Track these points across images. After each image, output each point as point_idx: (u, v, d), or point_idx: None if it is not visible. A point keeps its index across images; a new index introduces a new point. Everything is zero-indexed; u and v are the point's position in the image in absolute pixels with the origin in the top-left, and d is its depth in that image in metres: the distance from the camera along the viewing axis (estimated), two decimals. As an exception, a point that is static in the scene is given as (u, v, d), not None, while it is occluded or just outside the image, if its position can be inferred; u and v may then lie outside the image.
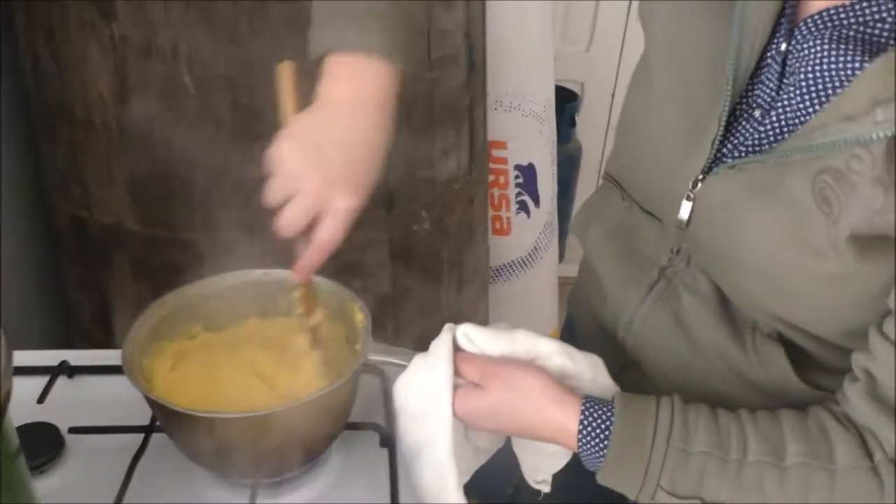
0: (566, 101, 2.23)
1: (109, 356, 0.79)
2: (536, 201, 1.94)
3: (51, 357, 0.83)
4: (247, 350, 0.69)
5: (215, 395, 0.64)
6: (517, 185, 1.91)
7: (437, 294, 1.34)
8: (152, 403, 0.61)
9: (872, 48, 0.51)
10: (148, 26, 1.00)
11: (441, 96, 1.23)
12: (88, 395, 0.80)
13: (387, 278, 1.26)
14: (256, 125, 1.03)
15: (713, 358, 0.63)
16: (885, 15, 0.51)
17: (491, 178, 1.92)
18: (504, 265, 1.92)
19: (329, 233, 0.59)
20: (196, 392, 0.63)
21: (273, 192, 0.59)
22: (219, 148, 1.06)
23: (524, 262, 1.95)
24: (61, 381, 0.81)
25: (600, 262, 0.73)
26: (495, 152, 1.88)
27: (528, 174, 1.90)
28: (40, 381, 0.80)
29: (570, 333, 0.87)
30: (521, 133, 1.83)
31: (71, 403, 0.78)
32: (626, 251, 0.70)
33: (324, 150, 0.58)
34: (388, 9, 0.61)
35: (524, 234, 1.92)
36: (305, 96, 0.62)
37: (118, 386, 0.75)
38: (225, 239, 0.99)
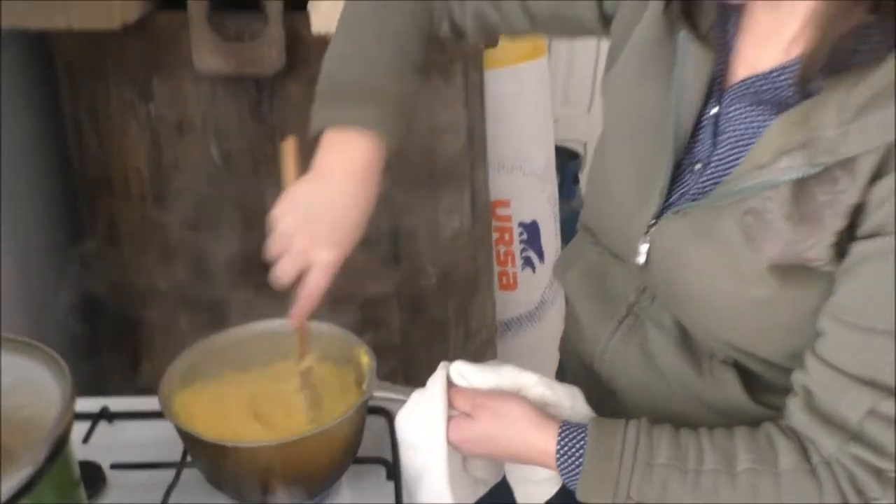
0: (570, 160, 2.35)
1: (144, 403, 0.90)
2: (541, 257, 2.02)
3: (93, 404, 0.92)
4: (261, 389, 0.78)
5: (233, 427, 0.73)
6: (521, 241, 2.01)
7: (446, 346, 1.43)
8: (183, 434, 0.70)
9: (782, 108, 0.60)
10: (181, 105, 1.13)
11: (442, 160, 1.34)
12: (126, 437, 0.89)
13: (396, 331, 1.36)
14: (277, 188, 1.14)
15: (675, 384, 0.71)
16: (813, 89, 0.61)
17: (496, 235, 2.01)
18: (512, 319, 1.99)
19: (314, 283, 0.69)
20: (220, 424, 0.72)
21: (270, 249, 0.70)
22: (241, 218, 1.17)
23: (531, 315, 2.03)
24: (102, 424, 0.90)
25: (577, 301, 0.81)
26: (499, 210, 1.99)
27: (531, 231, 1.99)
28: (84, 426, 0.89)
29: (562, 377, 0.95)
30: (524, 192, 1.93)
31: (111, 444, 0.87)
32: (600, 291, 0.78)
33: (313, 212, 0.69)
34: (374, 92, 0.72)
35: (530, 289, 2.00)
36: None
37: (152, 428, 0.86)
38: (248, 297, 1.09)
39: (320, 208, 0.69)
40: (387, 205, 1.28)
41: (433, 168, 1.34)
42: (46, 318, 1.29)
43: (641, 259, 0.70)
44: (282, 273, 0.69)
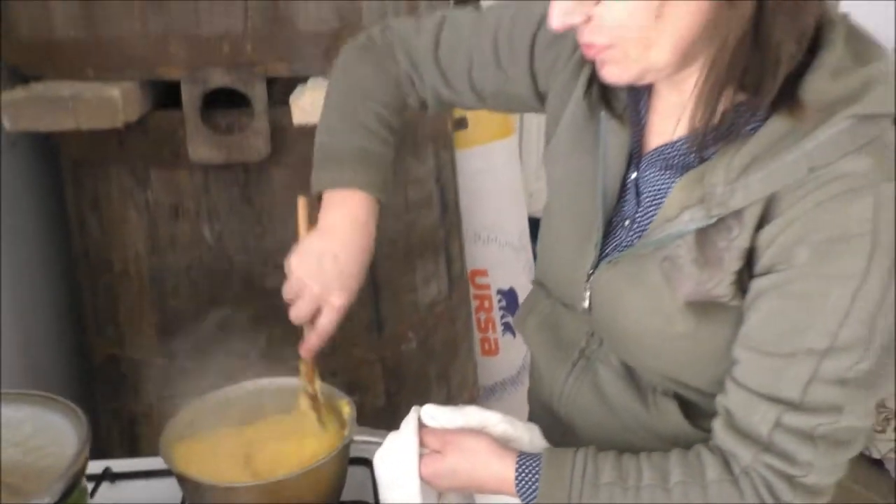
0: (543, 230, 2.47)
1: (144, 463, 0.97)
2: (520, 322, 2.11)
3: (96, 466, 0.99)
4: (252, 441, 0.86)
5: (226, 474, 0.81)
6: (501, 308, 2.11)
7: (429, 408, 1.50)
8: (181, 479, 0.78)
9: (685, 171, 0.71)
10: (176, 192, 1.25)
11: (418, 233, 1.46)
12: (127, 496, 0.95)
13: (381, 394, 1.44)
14: (264, 268, 1.25)
15: (625, 417, 0.80)
16: (703, 150, 0.72)
17: (476, 302, 2.11)
18: (496, 384, 2.07)
19: (327, 321, 0.82)
20: (215, 471, 0.80)
21: (287, 293, 0.82)
22: (232, 291, 1.28)
23: (514, 380, 2.10)
24: (105, 485, 0.97)
25: (536, 349, 0.91)
26: (478, 279, 2.09)
27: (510, 298, 2.08)
28: (87, 486, 0.96)
29: (531, 421, 1.03)
30: (501, 262, 2.05)
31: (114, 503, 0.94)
32: (554, 338, 0.88)
33: (323, 263, 0.81)
34: (366, 157, 0.85)
35: (511, 354, 2.08)
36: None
37: (152, 487, 0.93)
38: (238, 364, 1.18)
39: (329, 259, 0.81)
40: (368, 274, 1.38)
41: (410, 240, 1.46)
42: (48, 387, 1.37)
43: (585, 304, 0.80)
44: (297, 314, 0.82)
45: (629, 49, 0.65)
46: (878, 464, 2.30)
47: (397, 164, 1.32)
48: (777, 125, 0.63)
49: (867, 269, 0.61)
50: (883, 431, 2.11)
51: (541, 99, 0.88)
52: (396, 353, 1.44)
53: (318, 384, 0.88)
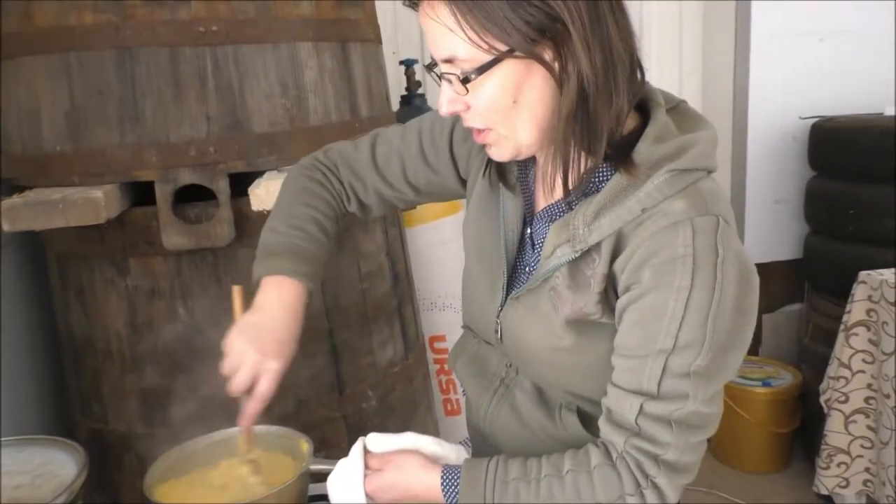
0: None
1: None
2: (480, 382, 2.25)
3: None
4: (223, 479, 1.01)
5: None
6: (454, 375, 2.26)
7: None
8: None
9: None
10: (152, 277, 1.42)
11: (372, 301, 1.63)
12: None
13: (345, 449, 1.57)
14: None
15: (537, 430, 0.96)
16: (571, 203, 0.91)
17: (436, 366, 2.27)
18: (460, 442, 2.20)
19: (266, 386, 0.95)
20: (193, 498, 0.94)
21: (226, 368, 0.95)
22: (205, 361, 1.42)
23: (479, 438, 2.23)
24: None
25: (465, 381, 1.07)
26: (437, 344, 2.26)
27: (469, 360, 2.23)
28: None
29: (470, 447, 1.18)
30: (457, 326, 2.20)
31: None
32: (480, 371, 1.05)
33: (260, 334, 0.95)
34: (299, 252, 1.01)
35: (474, 413, 2.22)
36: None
37: None
38: (213, 425, 1.32)
39: (265, 331, 0.96)
40: (330, 339, 1.55)
41: (365, 307, 1.63)
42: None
43: (498, 335, 0.98)
44: (238, 385, 0.95)
45: (500, 130, 0.85)
46: (827, 500, 2.44)
47: (348, 241, 1.53)
48: (618, 180, 0.83)
49: (692, 282, 0.79)
50: (827, 468, 2.26)
51: (463, 184, 1.08)
52: (358, 410, 1.59)
53: (258, 451, 1.01)
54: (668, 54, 2.86)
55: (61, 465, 0.78)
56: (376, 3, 1.71)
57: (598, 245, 0.84)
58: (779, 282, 2.95)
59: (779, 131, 2.82)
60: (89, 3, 1.32)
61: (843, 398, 2.18)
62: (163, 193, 1.36)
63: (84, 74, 1.35)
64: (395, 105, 2.19)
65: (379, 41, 1.72)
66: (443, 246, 2.20)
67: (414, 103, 2.34)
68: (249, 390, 0.96)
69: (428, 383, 1.94)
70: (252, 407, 0.97)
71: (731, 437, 2.71)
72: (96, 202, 1.25)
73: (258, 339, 0.95)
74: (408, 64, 2.34)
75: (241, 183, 1.41)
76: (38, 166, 1.40)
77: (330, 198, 1.09)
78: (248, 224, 1.40)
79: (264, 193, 1.29)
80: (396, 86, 2.30)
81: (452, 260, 2.21)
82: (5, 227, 1.23)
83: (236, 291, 1.02)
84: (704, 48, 2.91)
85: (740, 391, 2.68)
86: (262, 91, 1.40)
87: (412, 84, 2.35)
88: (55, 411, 1.66)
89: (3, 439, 0.84)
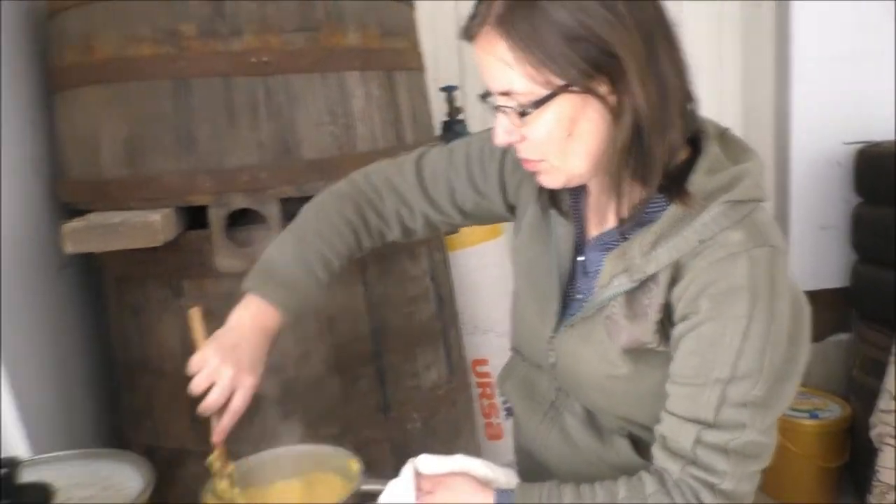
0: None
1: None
2: (521, 407, 2.25)
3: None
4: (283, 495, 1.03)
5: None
6: (503, 397, 2.26)
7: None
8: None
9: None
10: (205, 299, 1.45)
11: (417, 324, 1.65)
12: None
13: (390, 471, 1.58)
14: (285, 359, 1.43)
15: (587, 454, 0.96)
16: (625, 233, 0.92)
17: (479, 390, 2.27)
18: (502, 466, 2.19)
19: (240, 401, 0.95)
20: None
21: (197, 386, 0.95)
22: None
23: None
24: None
25: (515, 404, 1.08)
26: (479, 368, 2.26)
27: (510, 384, 2.23)
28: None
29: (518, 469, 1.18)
30: (499, 351, 2.21)
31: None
32: (530, 394, 1.05)
33: (235, 351, 0.96)
34: (293, 284, 1.01)
35: (515, 437, 2.21)
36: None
37: None
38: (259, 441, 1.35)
39: (239, 348, 0.97)
40: (375, 362, 1.57)
41: (411, 331, 1.64)
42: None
43: (552, 361, 0.98)
44: (211, 403, 0.95)
45: (553, 161, 0.86)
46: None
47: (394, 265, 1.55)
48: (674, 211, 0.84)
49: (751, 312, 0.80)
50: (881, 506, 2.18)
51: (510, 208, 1.08)
52: (403, 432, 1.60)
53: (232, 466, 1.01)
54: (708, 77, 2.84)
55: (128, 477, 0.81)
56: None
57: (655, 275, 0.85)
58: (826, 311, 2.88)
59: (823, 157, 2.78)
60: (148, 35, 1.38)
61: (894, 433, 2.11)
62: (216, 217, 1.40)
63: (141, 103, 1.40)
64: (437, 130, 2.22)
65: (422, 69, 1.75)
66: (484, 270, 2.21)
67: (455, 129, 2.37)
68: (222, 408, 0.97)
69: (471, 407, 1.94)
70: (226, 422, 0.97)
71: (777, 470, 2.62)
72: (153, 226, 1.30)
73: (234, 355, 0.96)
74: (448, 90, 2.38)
75: (290, 207, 1.44)
76: (96, 191, 1.46)
77: (351, 238, 1.07)
78: (297, 247, 1.43)
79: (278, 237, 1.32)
80: (437, 112, 2.34)
81: (494, 284, 2.22)
82: (68, 249, 1.28)
83: (194, 313, 1.02)
84: (744, 71, 2.89)
85: (787, 423, 2.61)
86: (312, 119, 1.44)
87: (453, 110, 2.38)
88: (108, 427, 1.70)
89: (72, 451, 0.87)
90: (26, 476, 0.80)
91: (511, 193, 1.07)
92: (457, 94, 2.35)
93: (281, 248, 1.05)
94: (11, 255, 1.45)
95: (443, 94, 2.40)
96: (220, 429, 0.98)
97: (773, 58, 2.81)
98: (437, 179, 1.09)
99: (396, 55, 1.59)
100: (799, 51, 2.73)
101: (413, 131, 1.63)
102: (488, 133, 0.96)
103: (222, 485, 1.01)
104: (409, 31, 1.66)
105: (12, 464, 0.78)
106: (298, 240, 1.05)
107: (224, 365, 0.95)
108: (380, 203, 1.09)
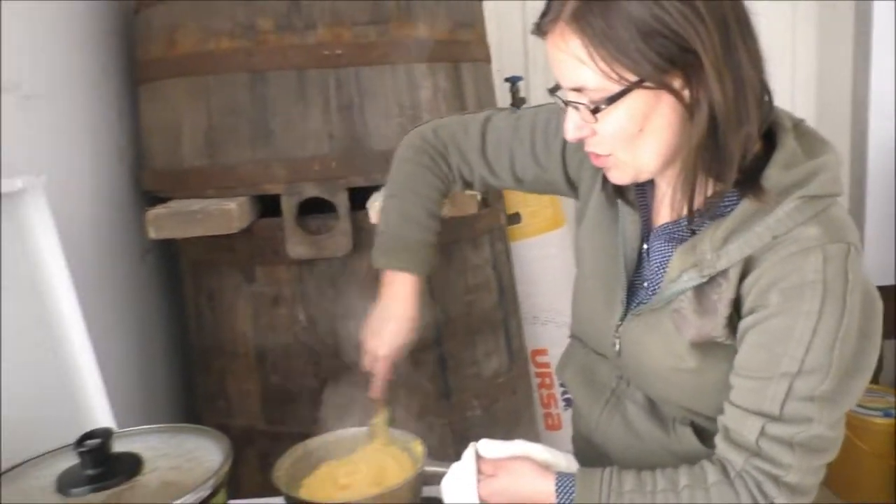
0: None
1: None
2: (581, 398, 2.26)
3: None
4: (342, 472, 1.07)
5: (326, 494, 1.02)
6: (561, 385, 2.27)
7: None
8: (288, 499, 0.99)
9: (681, 242, 0.89)
10: (276, 284, 1.51)
11: (478, 313, 1.67)
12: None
13: (451, 455, 1.61)
14: (350, 342, 1.48)
15: (650, 443, 0.97)
16: (694, 227, 0.93)
17: (538, 380, 2.28)
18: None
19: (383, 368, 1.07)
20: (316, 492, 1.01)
21: (366, 362, 1.06)
22: (322, 363, 1.51)
23: (578, 453, 2.23)
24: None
25: (575, 392, 1.09)
26: (539, 358, 2.27)
27: (570, 375, 2.24)
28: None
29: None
30: (559, 341, 2.21)
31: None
32: (589, 381, 1.06)
33: (386, 326, 1.07)
34: (409, 244, 1.09)
35: (573, 428, 2.22)
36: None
37: None
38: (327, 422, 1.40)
39: (388, 323, 1.09)
40: (437, 349, 1.60)
41: (472, 319, 1.67)
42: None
43: (616, 349, 0.99)
44: (376, 383, 1.09)
45: (622, 156, 0.86)
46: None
47: (456, 254, 1.58)
48: (746, 206, 0.83)
49: (822, 308, 0.79)
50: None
51: (571, 185, 1.09)
52: (463, 418, 1.63)
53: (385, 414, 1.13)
54: (779, 64, 2.75)
55: (209, 451, 0.86)
56: (483, 23, 1.77)
57: (725, 270, 0.84)
58: (901, 306, 2.78)
59: (901, 151, 2.68)
60: (226, 30, 1.43)
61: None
62: (288, 206, 1.45)
63: (220, 95, 1.46)
64: (502, 122, 2.23)
65: (488, 61, 1.77)
66: (546, 261, 2.22)
67: (519, 120, 2.37)
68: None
69: (531, 396, 1.96)
70: (376, 383, 1.10)
71: (847, 469, 2.56)
72: (230, 213, 1.36)
73: (386, 332, 1.09)
74: (512, 81, 2.38)
75: (358, 196, 1.49)
76: (177, 180, 1.53)
77: (439, 182, 1.14)
78: (364, 236, 1.47)
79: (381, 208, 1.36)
80: (501, 102, 2.35)
81: (555, 274, 2.22)
82: (151, 235, 1.35)
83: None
84: (820, 57, 2.79)
85: (859, 421, 2.54)
86: (381, 110, 1.48)
87: (516, 100, 2.39)
88: (184, 406, 1.79)
89: (156, 426, 0.93)
90: (116, 447, 0.86)
91: (573, 172, 1.08)
92: (521, 84, 2.36)
93: (387, 218, 1.14)
94: (99, 241, 1.54)
95: (506, 85, 2.41)
96: (375, 385, 1.10)
97: (852, 41, 2.71)
98: (500, 147, 1.11)
99: (464, 47, 1.61)
100: (880, 33, 2.63)
101: (478, 122, 1.65)
102: (556, 108, 0.96)
103: (378, 441, 1.12)
104: (476, 23, 1.68)
105: (105, 434, 0.84)
106: (398, 203, 1.13)
107: (379, 344, 1.10)
108: (447, 156, 1.15)
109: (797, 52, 2.79)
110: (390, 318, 1.08)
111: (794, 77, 2.80)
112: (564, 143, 1.06)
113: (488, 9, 1.80)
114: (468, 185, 1.18)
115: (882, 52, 2.63)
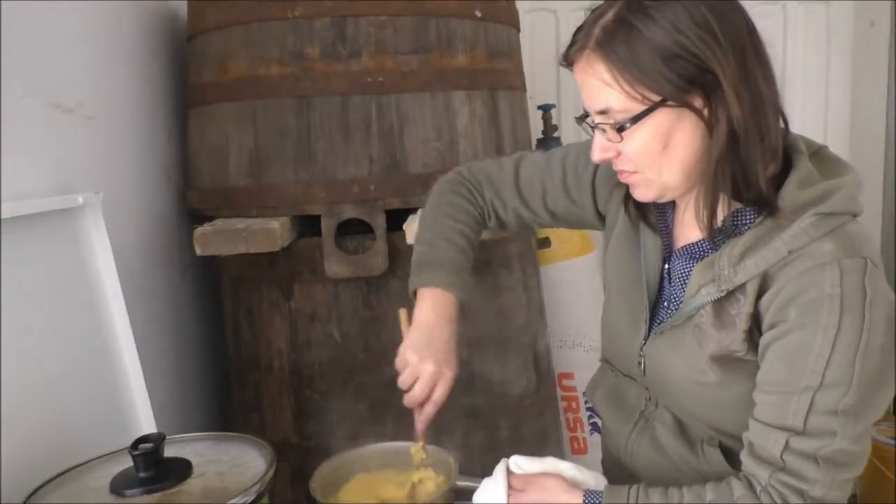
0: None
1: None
2: (607, 423, 2.27)
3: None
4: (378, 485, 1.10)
5: None
6: (588, 409, 2.29)
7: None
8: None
9: (702, 259, 0.93)
10: (313, 301, 1.56)
11: (507, 334, 1.70)
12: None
13: (479, 473, 1.64)
14: (381, 360, 1.53)
15: (679, 463, 0.99)
16: (714, 245, 0.95)
17: (564, 403, 2.30)
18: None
19: (442, 393, 1.03)
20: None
21: (403, 381, 1.03)
22: (355, 380, 1.55)
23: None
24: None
25: (604, 414, 1.12)
26: (565, 382, 2.29)
27: (596, 400, 2.25)
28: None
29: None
30: (586, 365, 2.23)
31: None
32: (619, 404, 1.09)
33: (431, 347, 1.03)
34: (449, 265, 1.10)
35: (600, 453, 2.23)
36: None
37: None
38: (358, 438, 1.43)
39: (435, 343, 1.04)
40: (467, 367, 1.63)
41: (501, 340, 1.70)
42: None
43: (641, 367, 1.02)
44: (415, 396, 1.02)
45: (648, 173, 0.91)
46: None
47: (488, 274, 1.61)
48: (763, 224, 0.87)
49: (840, 321, 0.82)
50: None
51: (600, 217, 1.14)
52: (491, 438, 1.65)
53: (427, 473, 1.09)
54: (814, 95, 2.78)
55: (253, 458, 0.91)
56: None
57: (742, 285, 0.87)
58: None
59: (936, 176, 2.67)
60: (276, 57, 1.50)
61: None
62: (328, 226, 1.50)
63: (267, 119, 1.53)
64: (533, 147, 2.28)
65: (524, 89, 1.82)
66: (575, 285, 2.25)
67: (550, 146, 2.42)
68: (423, 402, 1.04)
69: (558, 419, 1.98)
70: (429, 412, 1.04)
71: (877, 498, 2.54)
72: (274, 232, 1.41)
73: (431, 352, 1.03)
74: (545, 109, 2.43)
75: (395, 218, 1.54)
76: (223, 198, 1.59)
77: (474, 211, 1.17)
78: (400, 256, 1.52)
79: (417, 229, 1.40)
80: (534, 129, 2.40)
81: (584, 298, 2.25)
82: (198, 252, 1.41)
83: (402, 313, 1.11)
84: (854, 88, 2.80)
85: (886, 451, 2.51)
86: (419, 135, 1.53)
87: (549, 128, 2.43)
88: (218, 417, 1.84)
89: (203, 433, 0.98)
90: (165, 453, 0.91)
91: (601, 204, 1.12)
92: (553, 112, 2.41)
93: (424, 242, 1.15)
94: (145, 256, 1.61)
95: (539, 112, 2.46)
96: (423, 418, 1.05)
97: (887, 76, 2.72)
98: (532, 181, 1.16)
99: (501, 75, 1.67)
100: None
101: (512, 148, 1.69)
102: (586, 144, 1.02)
103: (423, 473, 1.09)
104: (513, 52, 1.73)
105: (158, 439, 0.88)
106: (434, 228, 1.15)
107: (424, 362, 1.02)
108: (481, 191, 1.19)
109: (831, 81, 2.79)
110: (440, 339, 1.04)
111: (828, 103, 2.80)
112: (594, 176, 1.11)
113: (524, 38, 1.86)
114: (501, 224, 1.21)
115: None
